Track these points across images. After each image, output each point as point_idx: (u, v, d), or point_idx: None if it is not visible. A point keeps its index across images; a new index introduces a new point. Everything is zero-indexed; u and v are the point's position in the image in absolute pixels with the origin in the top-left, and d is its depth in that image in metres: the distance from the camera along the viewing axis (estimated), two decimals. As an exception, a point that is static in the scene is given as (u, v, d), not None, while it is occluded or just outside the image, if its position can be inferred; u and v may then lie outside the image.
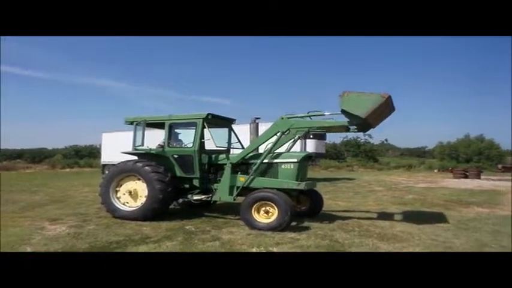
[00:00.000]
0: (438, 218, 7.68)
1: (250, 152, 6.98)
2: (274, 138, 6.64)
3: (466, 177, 22.59)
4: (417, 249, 5.02)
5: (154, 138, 7.98)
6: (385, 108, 5.95)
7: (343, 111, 5.86)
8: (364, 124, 6.18)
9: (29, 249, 4.93)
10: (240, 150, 8.02)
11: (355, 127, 6.31)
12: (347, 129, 6.60)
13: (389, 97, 5.72)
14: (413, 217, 7.71)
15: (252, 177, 6.76)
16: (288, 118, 6.63)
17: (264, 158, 6.68)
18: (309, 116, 6.63)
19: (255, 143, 7.09)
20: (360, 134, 43.64)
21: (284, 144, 6.75)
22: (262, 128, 9.43)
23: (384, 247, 5.14)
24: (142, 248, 5.05)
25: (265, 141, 6.82)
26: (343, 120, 6.20)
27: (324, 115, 6.48)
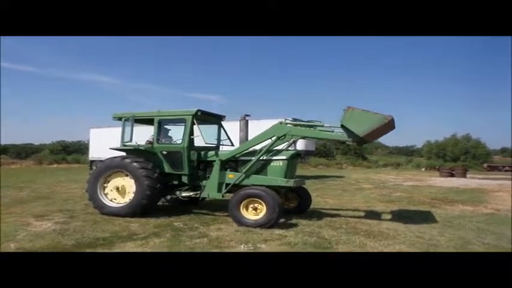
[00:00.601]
0: (424, 215, 7.81)
1: (241, 151, 6.98)
2: (269, 140, 6.65)
3: (452, 175, 23.01)
4: (403, 247, 5.10)
5: (142, 135, 7.91)
6: (386, 128, 5.96)
7: (343, 127, 5.86)
8: (361, 140, 6.21)
9: (12, 246, 4.86)
10: (230, 147, 8.02)
11: (351, 141, 6.18)
12: (342, 143, 6.57)
13: (392, 119, 5.68)
14: (400, 215, 7.83)
15: (241, 174, 6.77)
16: (286, 124, 6.63)
17: (254, 157, 6.68)
18: (309, 126, 6.62)
19: (248, 144, 7.04)
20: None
21: (277, 147, 6.76)
22: (252, 125, 9.43)
23: (371, 244, 5.21)
24: (129, 245, 5.01)
25: (259, 143, 6.81)
26: (341, 132, 6.15)
27: (323, 126, 6.53)
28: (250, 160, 6.71)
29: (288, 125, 6.68)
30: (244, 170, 6.71)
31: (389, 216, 7.73)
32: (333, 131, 6.45)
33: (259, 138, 6.82)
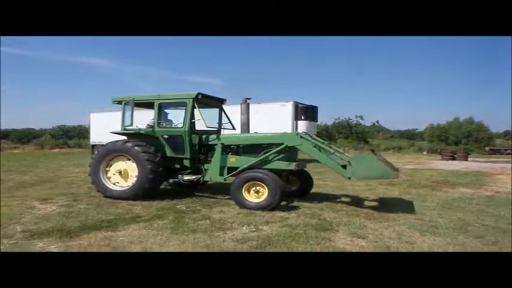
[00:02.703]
0: (424, 198, 7.87)
1: (244, 142, 6.99)
2: (275, 144, 6.67)
3: (453, 159, 23.01)
4: (403, 228, 5.18)
5: (143, 119, 7.89)
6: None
7: (350, 163, 6.01)
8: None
9: (19, 228, 4.95)
10: (231, 131, 8.02)
11: (346, 177, 6.14)
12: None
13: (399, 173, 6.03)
14: (401, 197, 7.88)
15: (242, 157, 6.80)
16: (301, 137, 6.54)
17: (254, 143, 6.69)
18: (320, 148, 6.51)
19: (252, 139, 7.02)
20: (352, 116, 43.85)
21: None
22: (253, 108, 9.39)
23: (371, 225, 5.29)
24: (133, 227, 5.11)
25: (264, 143, 6.80)
26: (343, 166, 6.18)
27: (331, 147, 6.73)
28: (252, 145, 6.73)
29: (302, 138, 6.56)
30: (244, 153, 6.74)
31: (390, 199, 7.78)
32: (338, 164, 6.35)
33: (266, 139, 6.85)
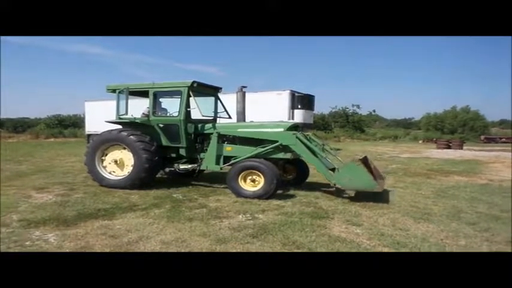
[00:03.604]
0: (419, 186, 7.95)
1: (239, 133, 7.00)
2: (269, 140, 6.67)
3: (449, 147, 23.20)
4: (398, 215, 5.24)
5: (138, 108, 7.84)
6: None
7: (338, 170, 6.10)
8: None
9: (15, 217, 4.96)
10: (227, 120, 8.00)
11: (332, 183, 6.16)
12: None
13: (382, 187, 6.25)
14: (396, 186, 7.95)
15: (238, 147, 6.81)
16: (297, 137, 6.47)
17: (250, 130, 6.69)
18: (313, 152, 6.46)
19: (247, 133, 6.96)
20: (349, 105, 43.81)
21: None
22: (249, 97, 9.35)
23: (366, 213, 5.35)
24: (130, 215, 5.13)
25: (257, 138, 6.79)
26: (332, 172, 6.25)
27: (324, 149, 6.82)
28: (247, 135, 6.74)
29: (297, 138, 6.48)
30: (240, 142, 6.75)
31: (385, 187, 7.84)
32: (329, 168, 6.41)
33: (260, 134, 6.81)
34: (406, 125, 60.86)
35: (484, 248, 3.97)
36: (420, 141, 33.71)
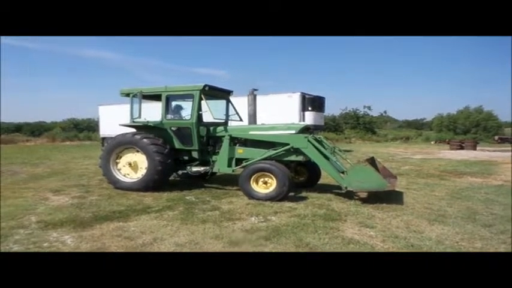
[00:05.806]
0: (432, 187, 7.85)
1: (250, 136, 7.04)
2: (280, 143, 6.73)
3: (462, 148, 22.79)
4: (411, 218, 5.20)
5: (150, 111, 7.94)
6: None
7: (347, 173, 6.21)
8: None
9: (33, 219, 5.09)
10: (238, 122, 8.06)
11: (343, 187, 6.14)
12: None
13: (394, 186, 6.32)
14: (409, 187, 7.87)
15: (250, 149, 6.85)
16: (308, 141, 6.48)
17: (261, 132, 6.71)
18: (325, 156, 6.46)
19: (259, 136, 6.98)
20: (360, 106, 43.46)
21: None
22: (260, 99, 9.40)
23: (379, 215, 5.32)
24: (144, 217, 5.22)
25: (271, 140, 6.82)
26: (343, 176, 6.28)
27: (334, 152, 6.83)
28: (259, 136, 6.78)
29: (309, 142, 6.48)
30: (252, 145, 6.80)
31: (397, 189, 7.78)
32: (340, 171, 6.43)
33: (272, 137, 6.83)
34: (418, 125, 60.04)
35: (502, 251, 3.92)
36: (432, 142, 33.20)
